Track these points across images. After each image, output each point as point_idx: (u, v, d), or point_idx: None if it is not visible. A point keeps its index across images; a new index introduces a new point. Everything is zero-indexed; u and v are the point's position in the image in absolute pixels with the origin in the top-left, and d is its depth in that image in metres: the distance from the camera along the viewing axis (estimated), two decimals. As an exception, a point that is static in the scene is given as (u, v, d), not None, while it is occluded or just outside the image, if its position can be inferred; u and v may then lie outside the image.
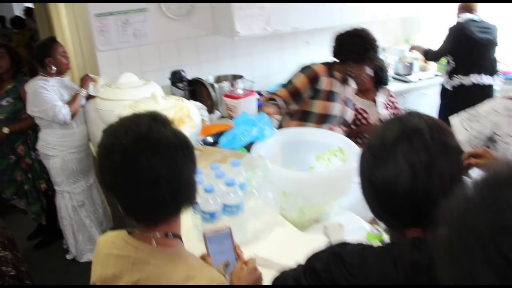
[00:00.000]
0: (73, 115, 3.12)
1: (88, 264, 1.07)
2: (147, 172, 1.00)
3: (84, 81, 3.21)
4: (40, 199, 3.65)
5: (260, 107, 2.69)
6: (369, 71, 2.82)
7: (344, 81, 2.74)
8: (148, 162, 1.00)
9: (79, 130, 3.27)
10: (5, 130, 3.35)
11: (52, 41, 3.23)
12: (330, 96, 2.66)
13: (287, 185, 1.77)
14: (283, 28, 3.54)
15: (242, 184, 1.48)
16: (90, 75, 3.24)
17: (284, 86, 2.63)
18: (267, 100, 2.53)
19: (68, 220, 3.43)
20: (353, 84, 2.88)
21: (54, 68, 3.15)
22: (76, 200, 3.38)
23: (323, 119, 2.64)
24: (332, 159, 2.10)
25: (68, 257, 3.62)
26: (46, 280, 3.40)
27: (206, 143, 2.23)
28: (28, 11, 9.74)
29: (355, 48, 2.58)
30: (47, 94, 3.05)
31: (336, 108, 2.69)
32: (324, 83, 2.64)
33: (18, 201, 3.77)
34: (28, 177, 3.54)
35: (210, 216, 1.41)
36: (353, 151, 1.94)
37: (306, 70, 2.66)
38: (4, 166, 3.51)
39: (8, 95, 3.36)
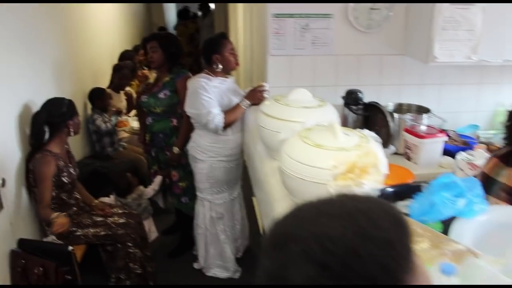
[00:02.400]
0: (227, 126, 2.83)
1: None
2: None
3: (252, 95, 2.87)
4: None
5: None
6: None
7: None
8: None
9: (233, 138, 2.97)
10: (175, 150, 3.23)
11: (222, 37, 2.97)
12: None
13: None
14: (493, 60, 2.86)
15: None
16: (264, 86, 2.90)
17: None
18: None
19: (203, 230, 3.17)
20: None
21: (220, 66, 2.88)
22: (215, 211, 3.10)
23: None
24: None
25: (195, 266, 3.38)
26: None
27: (384, 195, 1.71)
28: (202, 4, 10.09)
29: None
30: (206, 97, 2.78)
31: None
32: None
33: (158, 198, 3.64)
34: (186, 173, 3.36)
35: None
36: None
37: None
38: (163, 161, 3.39)
39: (165, 87, 3.22)
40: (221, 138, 2.92)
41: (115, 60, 5.62)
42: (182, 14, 10.34)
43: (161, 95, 3.21)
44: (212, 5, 10.22)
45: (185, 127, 3.16)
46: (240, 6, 5.07)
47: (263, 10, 3.07)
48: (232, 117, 2.84)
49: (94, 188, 3.27)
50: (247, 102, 2.85)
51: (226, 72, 2.96)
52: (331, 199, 0.65)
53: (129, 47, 6.60)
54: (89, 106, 4.24)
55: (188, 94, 2.88)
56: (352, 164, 1.46)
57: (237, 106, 2.87)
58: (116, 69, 4.76)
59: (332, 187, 1.45)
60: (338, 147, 1.54)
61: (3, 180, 2.46)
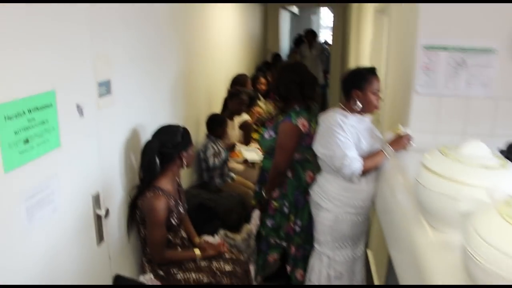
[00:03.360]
0: (364, 173, 2.42)
1: None
2: None
3: (398, 141, 2.46)
4: None
5: None
6: None
7: None
8: None
9: (367, 189, 2.54)
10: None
11: (370, 72, 2.56)
12: None
13: None
14: None
15: None
16: (409, 133, 2.48)
17: None
18: None
19: (316, 288, 2.76)
20: None
21: (359, 104, 2.49)
22: (334, 269, 2.68)
23: None
24: None
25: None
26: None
27: None
28: (308, 31, 9.64)
29: None
30: (342, 138, 2.40)
31: None
32: None
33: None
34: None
35: None
36: None
37: None
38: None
39: (273, 128, 2.88)
40: (353, 186, 2.52)
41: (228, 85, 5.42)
42: (298, 42, 10.22)
43: (266, 135, 2.90)
44: (323, 35, 9.93)
45: (274, 173, 2.85)
46: (369, 34, 4.67)
47: (410, 40, 2.65)
48: (372, 164, 2.44)
49: (199, 223, 3.00)
50: (391, 149, 2.43)
51: (363, 112, 2.56)
52: None
53: (243, 72, 6.42)
54: (201, 132, 4.03)
55: (320, 131, 2.52)
56: None
57: (379, 152, 2.46)
58: (233, 94, 4.49)
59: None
60: None
61: (107, 211, 2.24)
